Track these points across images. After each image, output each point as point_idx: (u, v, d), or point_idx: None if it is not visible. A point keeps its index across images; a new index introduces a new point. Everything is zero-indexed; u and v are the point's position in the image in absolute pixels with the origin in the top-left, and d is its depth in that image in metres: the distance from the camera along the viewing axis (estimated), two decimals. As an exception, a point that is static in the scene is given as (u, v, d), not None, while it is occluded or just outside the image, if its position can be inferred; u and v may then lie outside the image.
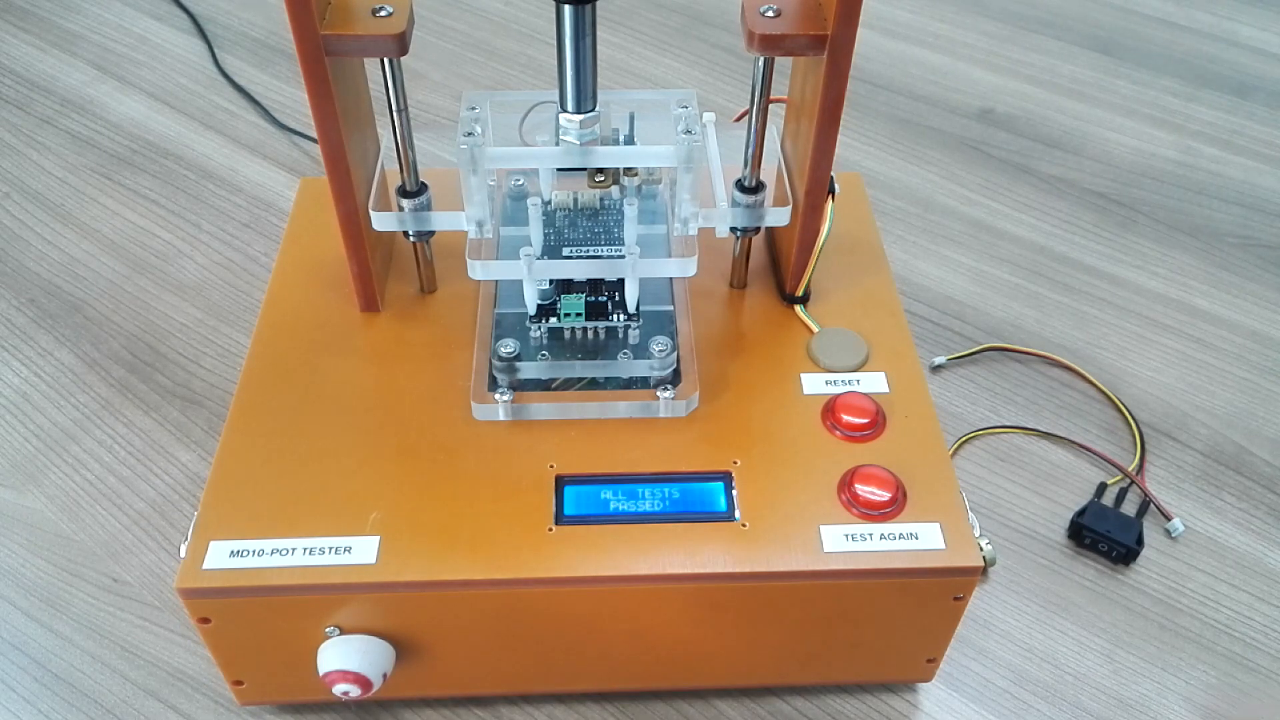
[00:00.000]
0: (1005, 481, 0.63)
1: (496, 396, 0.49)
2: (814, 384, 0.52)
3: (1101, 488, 0.62)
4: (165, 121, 0.88)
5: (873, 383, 0.52)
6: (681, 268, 0.50)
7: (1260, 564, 0.60)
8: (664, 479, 0.48)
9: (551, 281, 0.52)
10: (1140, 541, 0.59)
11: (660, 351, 0.51)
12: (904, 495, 0.47)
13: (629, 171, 0.55)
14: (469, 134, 0.47)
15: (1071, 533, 0.60)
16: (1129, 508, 0.61)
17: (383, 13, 0.46)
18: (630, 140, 0.51)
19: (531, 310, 0.52)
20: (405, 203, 0.51)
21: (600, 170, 0.52)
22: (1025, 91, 0.94)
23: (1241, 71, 0.97)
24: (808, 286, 0.55)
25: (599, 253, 0.52)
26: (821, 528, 0.46)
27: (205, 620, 0.45)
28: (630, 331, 0.53)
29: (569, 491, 0.47)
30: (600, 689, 0.53)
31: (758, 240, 0.59)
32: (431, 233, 0.53)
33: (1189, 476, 0.64)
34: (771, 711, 0.53)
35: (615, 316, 0.52)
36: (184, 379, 0.67)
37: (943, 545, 0.46)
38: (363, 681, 0.46)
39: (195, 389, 0.67)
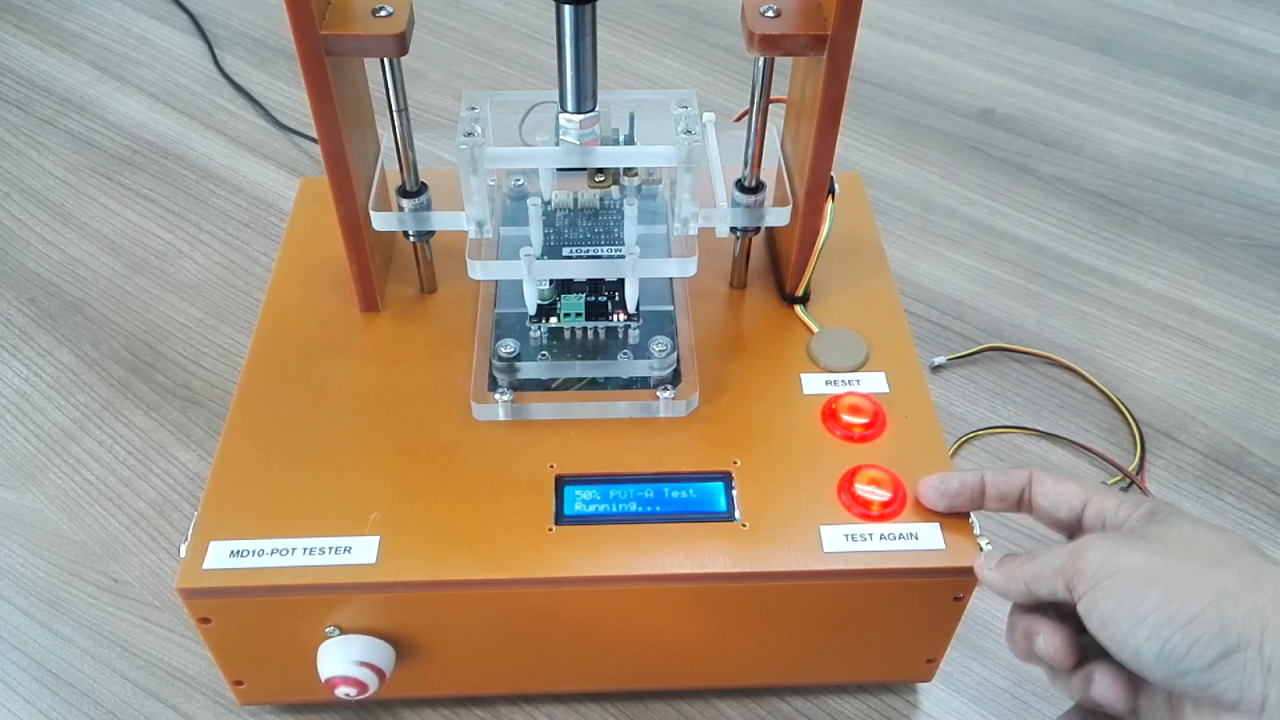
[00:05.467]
0: (1005, 481, 0.63)
1: (496, 396, 0.49)
2: (814, 384, 0.52)
3: (1101, 488, 0.62)
4: (165, 121, 0.88)
5: (873, 383, 0.52)
6: (681, 268, 0.50)
7: (1260, 564, 0.60)
8: (664, 479, 0.48)
9: (551, 281, 0.52)
10: (1140, 541, 0.58)
11: (660, 351, 0.50)
12: (904, 495, 0.47)
13: (629, 171, 0.55)
14: (469, 134, 0.47)
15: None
16: (1129, 508, 0.60)
17: (383, 13, 0.46)
18: (630, 140, 0.51)
19: (531, 310, 0.52)
20: (405, 203, 0.51)
21: (600, 170, 0.52)
22: (1025, 91, 0.94)
23: (1241, 71, 0.97)
24: (808, 286, 0.55)
25: (599, 253, 0.52)
26: (821, 528, 0.46)
27: (205, 620, 0.45)
28: (630, 331, 0.53)
29: (569, 491, 0.47)
30: (600, 689, 0.53)
31: (758, 240, 0.59)
32: (431, 233, 0.53)
33: (1189, 476, 0.64)
34: (771, 711, 0.53)
35: (615, 316, 0.52)
36: (184, 379, 0.67)
37: (943, 545, 0.45)
38: (361, 684, 0.46)
39: (195, 389, 0.67)
